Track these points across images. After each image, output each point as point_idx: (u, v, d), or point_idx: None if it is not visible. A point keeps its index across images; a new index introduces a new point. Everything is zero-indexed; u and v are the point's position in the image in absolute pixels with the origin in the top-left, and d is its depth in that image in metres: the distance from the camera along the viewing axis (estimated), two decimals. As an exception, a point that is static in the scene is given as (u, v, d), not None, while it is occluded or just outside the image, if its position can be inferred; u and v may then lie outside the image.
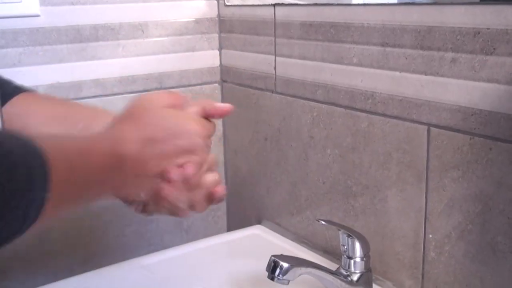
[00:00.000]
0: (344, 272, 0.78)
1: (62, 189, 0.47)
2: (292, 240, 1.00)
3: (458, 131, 0.70)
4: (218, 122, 1.14)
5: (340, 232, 0.78)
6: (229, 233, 1.10)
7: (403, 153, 0.78)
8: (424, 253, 0.77)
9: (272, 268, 0.72)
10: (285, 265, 0.71)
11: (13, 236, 0.44)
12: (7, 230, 0.44)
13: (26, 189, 0.43)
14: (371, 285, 0.80)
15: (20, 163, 0.43)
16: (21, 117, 0.46)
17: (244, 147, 1.10)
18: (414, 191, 0.77)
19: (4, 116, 0.58)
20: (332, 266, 0.80)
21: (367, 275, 0.78)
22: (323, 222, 0.78)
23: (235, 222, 1.16)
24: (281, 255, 0.73)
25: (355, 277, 0.78)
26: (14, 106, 0.66)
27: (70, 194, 0.50)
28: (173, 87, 1.07)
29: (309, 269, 0.74)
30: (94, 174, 0.53)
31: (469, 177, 0.70)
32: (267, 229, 1.05)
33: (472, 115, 0.68)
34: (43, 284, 0.87)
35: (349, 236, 0.77)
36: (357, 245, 0.77)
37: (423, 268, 0.78)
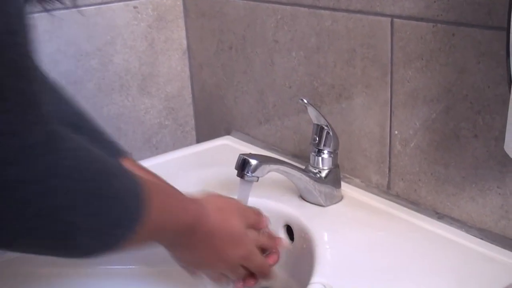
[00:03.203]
0: (312, 170, 0.79)
1: (155, 219, 0.54)
2: (262, 148, 1.00)
3: (421, 19, 0.70)
4: (181, 36, 1.12)
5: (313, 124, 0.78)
6: (197, 144, 1.10)
7: (368, 48, 0.77)
8: (390, 146, 0.78)
9: (241, 165, 0.72)
10: (254, 162, 0.72)
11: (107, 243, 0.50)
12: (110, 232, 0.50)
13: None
14: (339, 182, 0.81)
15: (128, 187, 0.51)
16: None
17: (210, 59, 1.09)
18: (379, 85, 0.77)
19: None
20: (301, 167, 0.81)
21: (335, 171, 0.79)
22: (305, 101, 0.76)
23: (204, 136, 1.16)
24: (250, 153, 0.74)
25: (323, 174, 0.79)
26: None
27: (157, 230, 0.56)
28: (133, -1, 1.05)
29: (278, 166, 0.75)
30: (178, 222, 0.59)
31: (432, 65, 0.70)
32: (236, 139, 1.05)
33: (435, 1, 0.68)
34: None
35: (322, 129, 0.77)
36: (329, 137, 0.77)
37: (389, 162, 0.79)
